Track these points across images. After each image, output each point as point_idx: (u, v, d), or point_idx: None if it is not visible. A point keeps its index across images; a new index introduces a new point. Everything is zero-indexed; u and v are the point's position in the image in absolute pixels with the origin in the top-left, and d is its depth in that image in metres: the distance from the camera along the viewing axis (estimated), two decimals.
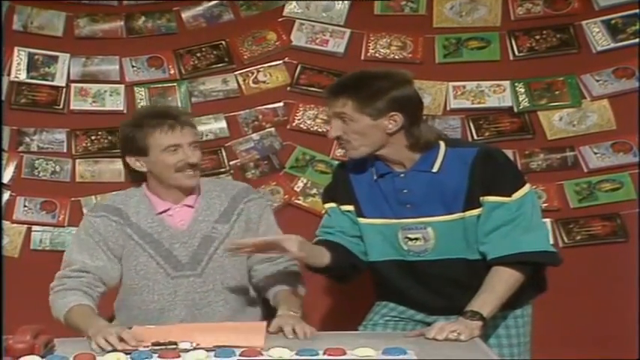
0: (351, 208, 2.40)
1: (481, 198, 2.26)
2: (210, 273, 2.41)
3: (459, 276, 2.30)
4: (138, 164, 2.40)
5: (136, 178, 2.47)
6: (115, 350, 1.99)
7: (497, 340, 2.36)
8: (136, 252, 2.41)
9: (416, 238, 2.32)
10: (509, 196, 2.25)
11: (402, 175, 2.31)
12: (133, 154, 2.40)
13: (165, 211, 2.42)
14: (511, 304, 2.31)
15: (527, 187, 2.30)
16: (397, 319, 2.44)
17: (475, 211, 2.27)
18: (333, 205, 2.45)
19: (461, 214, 2.28)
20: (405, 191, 2.31)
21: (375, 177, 2.35)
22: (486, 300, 2.21)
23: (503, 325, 2.37)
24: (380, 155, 2.31)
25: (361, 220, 2.39)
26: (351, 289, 2.59)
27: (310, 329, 2.18)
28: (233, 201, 2.46)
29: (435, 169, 2.29)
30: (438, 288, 2.31)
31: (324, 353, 1.92)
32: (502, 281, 2.23)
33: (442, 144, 2.32)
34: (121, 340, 2.01)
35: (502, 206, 2.24)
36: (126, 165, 2.45)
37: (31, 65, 3.31)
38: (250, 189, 2.56)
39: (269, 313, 2.41)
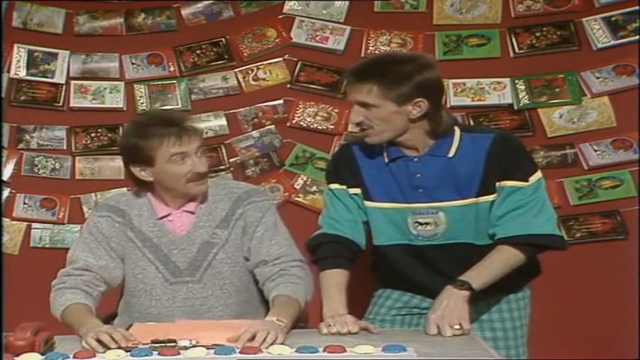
0: (357, 191, 2.38)
1: (497, 183, 2.26)
2: (209, 279, 2.38)
3: (466, 260, 2.27)
4: (143, 174, 2.34)
5: (141, 184, 2.41)
6: (114, 347, 1.98)
7: (490, 324, 2.38)
8: (135, 255, 2.39)
9: (426, 223, 2.31)
10: (526, 180, 2.27)
11: (416, 159, 2.30)
12: (137, 164, 2.34)
13: (165, 217, 2.40)
14: (505, 289, 2.34)
15: (539, 172, 2.32)
16: (404, 312, 2.43)
17: (489, 197, 2.28)
18: (340, 186, 2.40)
19: (474, 200, 2.28)
20: (418, 175, 2.30)
21: (386, 160, 2.33)
22: (480, 273, 2.22)
23: (497, 309, 2.38)
24: (396, 140, 2.29)
25: (368, 203, 2.36)
26: (350, 280, 2.54)
27: (280, 340, 2.03)
28: (234, 205, 2.41)
29: (450, 155, 2.28)
30: (445, 271, 2.28)
31: (324, 350, 1.92)
32: (501, 259, 2.24)
33: (457, 129, 2.32)
34: (113, 340, 1.99)
35: (518, 191, 2.25)
36: (130, 173, 2.38)
37: (31, 62, 3.30)
38: (253, 191, 2.47)
39: None
